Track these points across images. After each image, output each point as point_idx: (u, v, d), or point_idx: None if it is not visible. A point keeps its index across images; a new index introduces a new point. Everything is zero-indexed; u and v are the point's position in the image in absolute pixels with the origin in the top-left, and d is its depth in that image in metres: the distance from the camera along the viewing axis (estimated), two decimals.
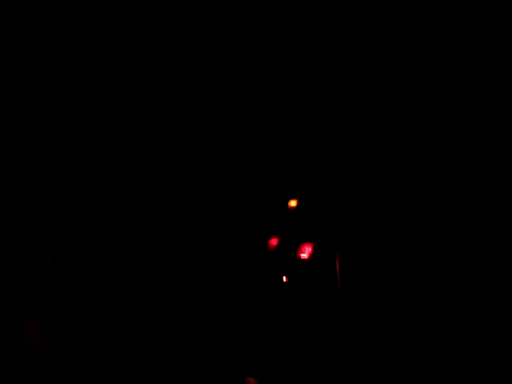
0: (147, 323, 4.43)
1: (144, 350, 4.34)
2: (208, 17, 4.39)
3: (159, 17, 4.43)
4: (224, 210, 4.86)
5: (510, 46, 4.12)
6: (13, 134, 4.43)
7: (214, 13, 4.36)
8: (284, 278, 4.82)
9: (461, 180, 4.36)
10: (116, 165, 4.56)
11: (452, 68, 4.32)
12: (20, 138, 4.45)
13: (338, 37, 4.40)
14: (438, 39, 4.28)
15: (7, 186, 4.40)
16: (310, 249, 4.85)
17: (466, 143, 4.39)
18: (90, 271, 4.39)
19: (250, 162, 4.90)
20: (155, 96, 4.60)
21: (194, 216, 4.79)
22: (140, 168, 4.62)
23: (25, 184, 4.44)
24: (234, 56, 4.51)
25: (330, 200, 4.85)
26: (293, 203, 4.88)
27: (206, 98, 4.61)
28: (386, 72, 4.46)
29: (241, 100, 4.67)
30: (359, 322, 4.59)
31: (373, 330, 4.54)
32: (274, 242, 4.87)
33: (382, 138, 4.56)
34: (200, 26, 4.42)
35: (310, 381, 4.55)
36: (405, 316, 4.47)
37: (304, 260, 4.86)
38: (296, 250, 4.87)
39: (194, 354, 4.52)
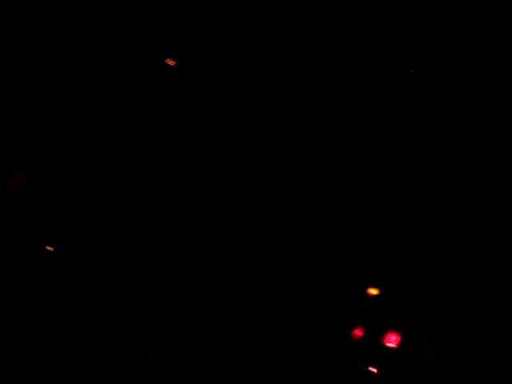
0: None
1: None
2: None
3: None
4: (301, 302, 4.74)
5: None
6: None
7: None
8: (372, 369, 4.66)
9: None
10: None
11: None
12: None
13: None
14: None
15: None
16: (396, 337, 4.70)
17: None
18: None
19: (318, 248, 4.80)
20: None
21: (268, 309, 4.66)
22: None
23: None
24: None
25: (413, 284, 4.72)
26: (373, 291, 4.76)
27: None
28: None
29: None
30: None
31: None
32: (358, 332, 4.73)
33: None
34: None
35: None
36: None
37: (391, 349, 4.71)
38: (382, 339, 4.72)
39: None
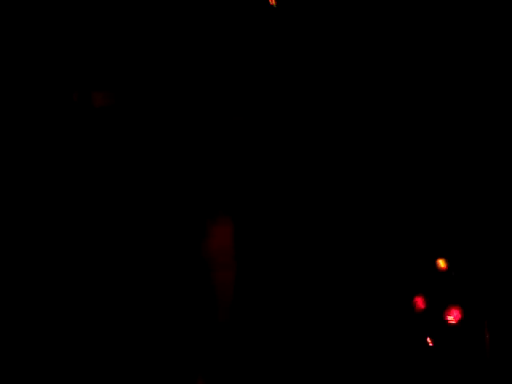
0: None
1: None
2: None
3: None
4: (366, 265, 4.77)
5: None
6: None
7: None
8: (429, 342, 4.69)
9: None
10: None
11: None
12: None
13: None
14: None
15: None
16: (458, 313, 4.69)
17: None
18: None
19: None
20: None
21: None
22: None
23: None
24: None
25: (481, 260, 4.68)
26: (442, 264, 4.74)
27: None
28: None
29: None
30: None
31: None
32: (420, 303, 4.74)
33: None
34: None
35: None
36: None
37: (451, 324, 4.71)
38: (443, 313, 4.72)
39: None
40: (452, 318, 4.66)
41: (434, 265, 4.75)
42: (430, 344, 4.64)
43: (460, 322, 4.64)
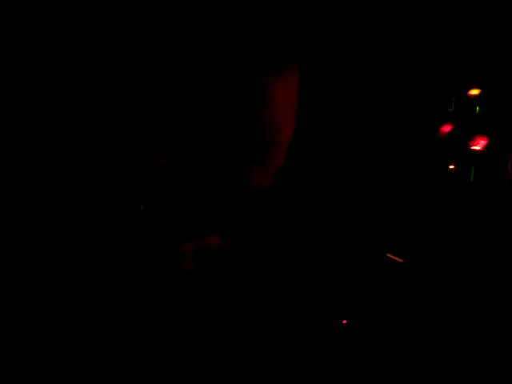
0: None
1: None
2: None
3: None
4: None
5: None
6: None
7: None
8: (451, 167, 4.71)
9: None
10: None
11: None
12: None
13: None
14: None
15: None
16: (484, 142, 4.67)
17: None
18: None
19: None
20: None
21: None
22: None
23: None
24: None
25: None
26: (474, 91, 4.65)
27: None
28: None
29: None
30: None
31: None
32: (446, 128, 4.70)
33: None
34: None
35: None
36: None
37: (476, 152, 4.70)
38: (469, 140, 4.70)
39: None
40: (477, 146, 4.65)
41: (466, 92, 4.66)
42: (452, 168, 4.68)
43: (485, 149, 4.64)
